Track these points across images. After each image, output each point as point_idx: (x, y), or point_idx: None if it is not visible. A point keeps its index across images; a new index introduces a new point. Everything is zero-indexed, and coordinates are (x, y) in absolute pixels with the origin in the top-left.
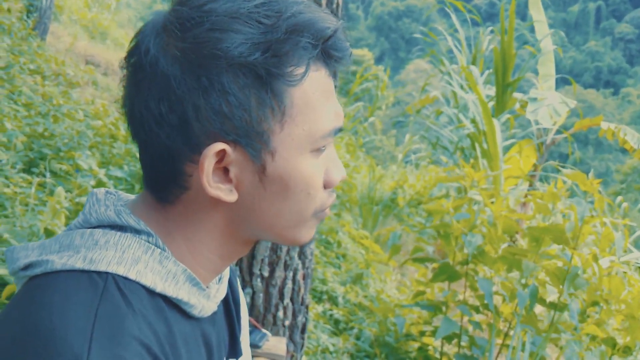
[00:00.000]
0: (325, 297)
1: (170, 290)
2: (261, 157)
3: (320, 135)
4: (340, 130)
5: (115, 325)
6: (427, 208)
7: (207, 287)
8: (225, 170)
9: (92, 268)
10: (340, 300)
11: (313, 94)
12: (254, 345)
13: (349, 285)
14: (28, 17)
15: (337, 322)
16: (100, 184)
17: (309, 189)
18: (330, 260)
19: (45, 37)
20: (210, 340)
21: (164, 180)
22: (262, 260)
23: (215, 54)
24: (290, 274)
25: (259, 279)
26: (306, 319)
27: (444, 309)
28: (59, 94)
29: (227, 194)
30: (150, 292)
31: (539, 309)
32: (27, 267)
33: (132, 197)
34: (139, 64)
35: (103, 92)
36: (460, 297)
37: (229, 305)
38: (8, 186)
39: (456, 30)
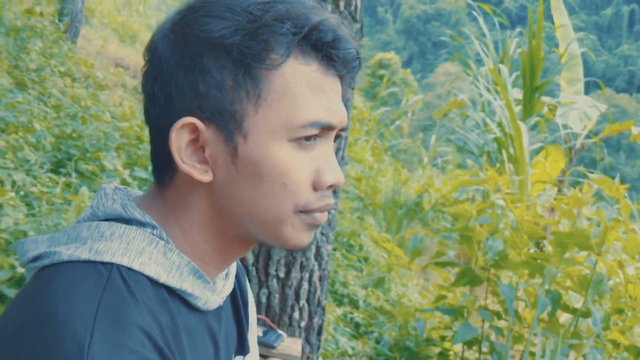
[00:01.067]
0: (346, 300)
1: (174, 282)
2: (234, 139)
3: (298, 125)
4: (332, 128)
5: (117, 313)
6: (450, 211)
7: (214, 282)
8: (203, 151)
9: (98, 259)
10: (361, 303)
11: (295, 83)
12: (269, 346)
13: (370, 289)
14: (60, 20)
15: (357, 325)
16: (124, 184)
17: (284, 180)
18: (351, 263)
19: (76, 40)
20: (216, 334)
21: (159, 160)
22: (278, 260)
23: (199, 35)
24: (307, 275)
25: (274, 280)
26: (322, 320)
27: (465, 314)
28: (87, 96)
29: (200, 173)
30: (154, 283)
31: (566, 316)
32: (36, 258)
33: (141, 193)
34: (147, 51)
35: (132, 94)
36: (482, 302)
37: (237, 302)
38: (35, 185)
39: (484, 34)
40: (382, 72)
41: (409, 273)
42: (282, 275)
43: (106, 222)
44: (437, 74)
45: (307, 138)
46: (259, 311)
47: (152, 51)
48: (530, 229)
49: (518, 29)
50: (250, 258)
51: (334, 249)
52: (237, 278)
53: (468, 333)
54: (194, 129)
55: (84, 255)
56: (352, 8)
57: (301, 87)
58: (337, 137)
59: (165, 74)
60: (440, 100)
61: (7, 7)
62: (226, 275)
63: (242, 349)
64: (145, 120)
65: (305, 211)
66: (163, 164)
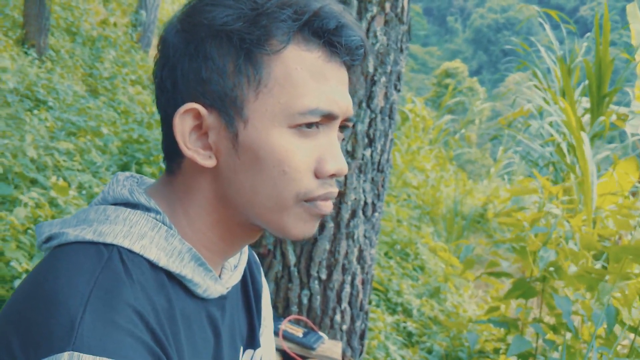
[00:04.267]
0: (399, 309)
1: (174, 267)
2: (235, 125)
3: (298, 112)
4: (334, 117)
5: (111, 292)
6: (502, 221)
7: (221, 272)
8: (207, 137)
9: (101, 240)
10: (415, 312)
11: (296, 69)
12: (308, 347)
13: (425, 299)
14: (133, 30)
15: (410, 334)
16: None
17: (284, 166)
18: (407, 272)
19: (148, 50)
20: (217, 323)
21: (168, 148)
22: (320, 262)
23: (203, 22)
24: (349, 278)
25: (316, 281)
26: (365, 325)
27: (520, 326)
28: (154, 102)
29: (204, 158)
30: (154, 267)
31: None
32: (48, 239)
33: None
34: (159, 42)
35: None
36: (537, 314)
37: (249, 296)
38: (99, 186)
39: (551, 42)
40: (448, 81)
41: (466, 283)
42: (323, 277)
43: (113, 206)
44: (508, 84)
45: (308, 125)
46: (300, 312)
47: (162, 41)
48: (587, 240)
49: (588, 36)
50: (292, 259)
51: (389, 257)
52: (252, 273)
53: (522, 346)
54: (197, 115)
55: (89, 236)
56: (399, 10)
57: (302, 74)
58: (344, 127)
59: (172, 61)
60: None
61: (84, 18)
62: (235, 266)
63: (253, 343)
64: (157, 109)
65: (307, 200)
66: (171, 152)
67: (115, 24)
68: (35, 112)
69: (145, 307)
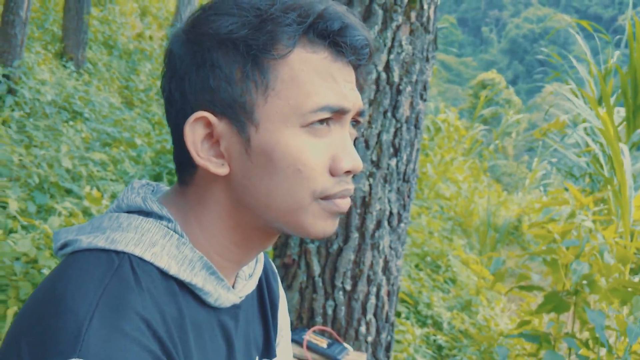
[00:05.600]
0: (429, 321)
1: (185, 275)
2: (246, 130)
3: (309, 110)
4: (344, 111)
5: (119, 299)
6: (532, 232)
7: (235, 280)
8: (219, 145)
9: (112, 247)
10: (445, 325)
11: (302, 71)
12: (333, 358)
13: (456, 311)
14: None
15: (440, 347)
16: None
17: (298, 165)
18: (437, 284)
19: None
20: (230, 332)
21: (180, 159)
22: (345, 273)
23: (208, 32)
24: (374, 289)
25: (340, 292)
26: (391, 337)
27: (552, 341)
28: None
29: (217, 166)
30: (164, 275)
31: None
32: (63, 246)
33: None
34: (165, 54)
35: None
36: (569, 329)
37: (265, 305)
38: None
39: (593, 53)
40: (484, 91)
41: (498, 296)
42: (348, 287)
43: (127, 214)
44: (544, 94)
45: (320, 122)
46: (324, 323)
47: (168, 53)
48: (622, 253)
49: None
50: (316, 269)
51: (419, 269)
52: (268, 281)
53: None
54: (208, 124)
55: (101, 243)
56: (425, 19)
57: (309, 74)
58: (356, 123)
59: (179, 72)
60: (547, 121)
61: (121, 31)
62: (249, 275)
63: (269, 352)
64: (167, 121)
65: (324, 197)
66: (184, 163)
67: (151, 37)
68: (71, 123)
69: (153, 316)
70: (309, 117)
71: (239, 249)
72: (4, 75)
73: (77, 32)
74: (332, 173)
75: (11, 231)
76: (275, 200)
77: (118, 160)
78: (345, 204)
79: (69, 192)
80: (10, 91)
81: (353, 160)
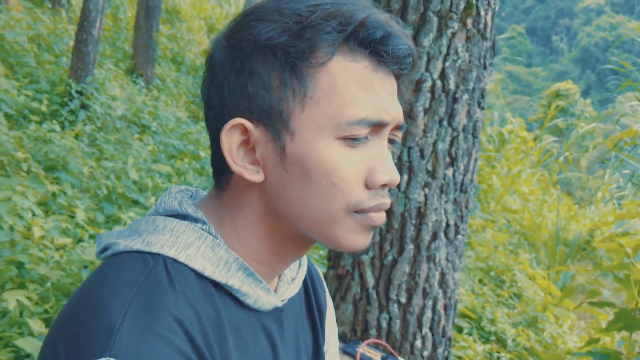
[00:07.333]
0: (493, 338)
1: (221, 276)
2: (282, 138)
3: (346, 122)
4: (383, 125)
5: (151, 300)
6: (602, 246)
7: (277, 286)
8: (255, 152)
9: (147, 249)
10: (509, 342)
11: (342, 80)
12: None
13: (521, 328)
14: None
15: None
16: None
17: (333, 177)
18: (502, 300)
19: None
20: (273, 336)
21: (217, 164)
22: (399, 285)
23: (248, 38)
24: (430, 303)
25: (395, 305)
26: (449, 352)
27: None
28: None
29: (252, 173)
30: (199, 276)
31: None
32: (104, 250)
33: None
34: (206, 59)
35: None
36: None
37: (313, 311)
38: None
39: None
40: (558, 102)
41: (566, 313)
42: (403, 300)
43: (163, 217)
44: (617, 104)
45: (356, 138)
46: (379, 336)
47: (209, 58)
48: None
49: None
50: (370, 281)
51: (483, 284)
52: (315, 290)
53: None
54: (244, 130)
55: (137, 245)
56: (481, 26)
57: (348, 84)
58: (393, 141)
59: (219, 78)
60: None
61: (189, 48)
62: (292, 279)
63: (318, 358)
64: (206, 127)
65: (359, 211)
66: (220, 168)
67: None
68: (140, 136)
69: (187, 316)
70: (346, 129)
71: (273, 256)
72: (77, 91)
73: (147, 50)
74: (368, 186)
75: (80, 240)
76: (308, 210)
77: (182, 172)
78: (380, 218)
79: (135, 202)
80: (83, 106)
81: (390, 173)
